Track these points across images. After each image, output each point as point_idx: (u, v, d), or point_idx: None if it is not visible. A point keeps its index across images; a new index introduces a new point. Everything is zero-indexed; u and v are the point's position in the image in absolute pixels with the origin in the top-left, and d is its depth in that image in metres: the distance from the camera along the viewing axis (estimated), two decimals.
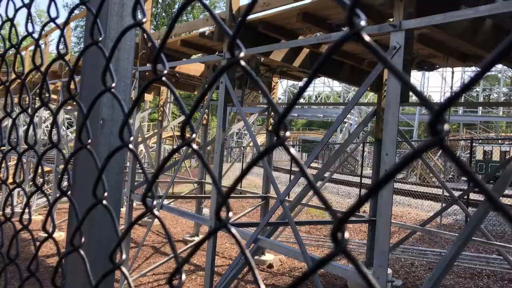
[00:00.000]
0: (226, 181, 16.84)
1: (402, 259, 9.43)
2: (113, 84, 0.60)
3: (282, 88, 47.45)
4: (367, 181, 13.20)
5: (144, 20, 0.54)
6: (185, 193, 13.52)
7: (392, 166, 0.25)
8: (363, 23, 0.29)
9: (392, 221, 7.62)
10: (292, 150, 0.33)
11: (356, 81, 7.41)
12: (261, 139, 26.41)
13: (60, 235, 10.99)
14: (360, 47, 6.38)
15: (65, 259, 0.83)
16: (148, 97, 13.96)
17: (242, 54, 0.38)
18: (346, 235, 0.28)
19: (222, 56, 6.02)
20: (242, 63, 0.38)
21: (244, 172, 0.37)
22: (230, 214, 0.37)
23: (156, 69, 0.50)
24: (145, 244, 10.91)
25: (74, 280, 0.84)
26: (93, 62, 0.90)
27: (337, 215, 0.28)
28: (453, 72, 8.96)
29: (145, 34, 0.57)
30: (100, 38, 0.64)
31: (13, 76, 0.95)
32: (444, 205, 8.24)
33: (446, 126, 0.25)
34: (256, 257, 9.06)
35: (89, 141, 0.64)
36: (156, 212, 0.49)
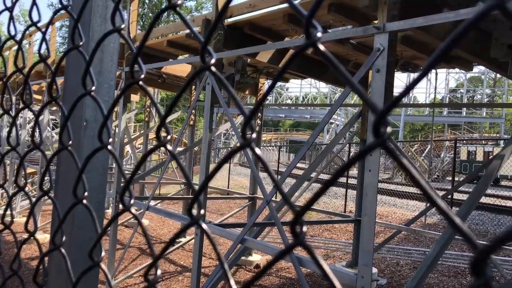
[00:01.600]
0: (213, 182, 16.82)
1: (387, 258, 9.54)
2: (93, 88, 0.62)
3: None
4: (354, 181, 13.33)
5: (122, 26, 0.56)
6: (172, 194, 13.47)
7: (339, 167, 0.28)
8: (319, 34, 0.31)
9: (377, 220, 7.71)
10: (258, 151, 0.36)
11: (342, 83, 7.49)
12: None
13: (46, 237, 10.87)
14: (345, 49, 6.45)
15: (49, 259, 0.84)
16: (135, 97, 13.88)
17: (212, 61, 0.41)
18: (304, 228, 0.31)
19: None
20: (213, 69, 0.41)
21: (213, 173, 0.39)
22: (202, 211, 0.39)
23: (133, 72, 0.52)
24: (132, 246, 10.84)
25: (57, 279, 0.85)
26: (76, 64, 0.91)
27: (295, 209, 0.31)
28: (436, 74, 9.10)
29: (123, 39, 0.59)
30: (81, 43, 0.66)
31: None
32: (428, 205, 8.35)
33: (389, 129, 0.27)
34: (243, 257, 9.08)
35: (70, 142, 0.66)
36: (133, 211, 0.51)
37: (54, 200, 0.68)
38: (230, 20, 6.17)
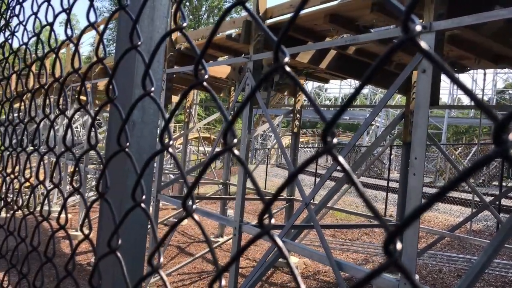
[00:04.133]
0: (251, 183, 16.81)
1: (429, 264, 9.23)
2: (152, 88, 0.61)
3: (308, 89, 47.40)
4: (394, 184, 13.00)
5: (184, 24, 0.55)
6: (210, 194, 13.59)
7: (454, 178, 0.24)
8: (418, 27, 0.28)
9: (419, 225, 7.46)
10: (341, 158, 0.33)
11: (384, 83, 7.30)
12: (285, 141, 26.34)
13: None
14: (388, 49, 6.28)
15: (96, 260, 0.84)
16: (175, 98, 14.10)
17: (286, 59, 0.38)
18: (399, 246, 0.27)
19: (248, 58, 6.04)
20: (287, 68, 0.38)
21: (291, 179, 0.36)
22: (273, 220, 0.37)
23: (198, 73, 0.50)
24: (170, 244, 11.03)
25: (103, 280, 0.85)
26: (125, 65, 0.91)
27: (388, 227, 0.27)
28: (485, 74, 8.72)
29: (186, 39, 0.57)
30: (139, 43, 0.65)
31: (51, 79, 0.98)
32: (474, 210, 8.01)
33: (511, 136, 0.24)
34: (280, 259, 9.03)
35: (128, 144, 0.65)
36: (195, 217, 0.50)
37: (110, 203, 0.68)
38: (270, 21, 6.15)
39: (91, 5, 0.71)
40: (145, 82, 0.60)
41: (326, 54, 6.82)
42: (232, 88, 10.85)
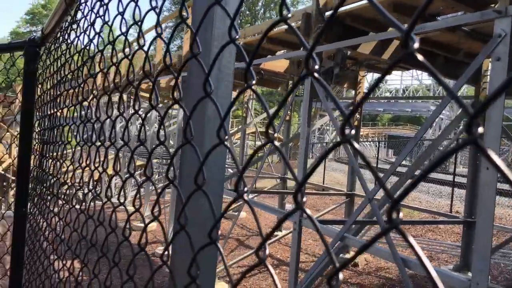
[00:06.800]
0: (310, 178, 16.68)
1: (501, 264, 8.70)
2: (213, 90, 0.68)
3: (367, 82, 45.96)
4: (461, 179, 12.36)
5: (236, 36, 0.59)
6: (268, 189, 13.66)
7: None
8: None
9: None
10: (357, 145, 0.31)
11: (450, 73, 6.93)
12: None
13: (153, 224, 11.71)
14: (455, 37, 5.93)
15: (174, 240, 0.89)
16: (232, 94, 14.32)
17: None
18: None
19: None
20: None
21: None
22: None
23: (247, 77, 0.58)
24: (230, 237, 11.23)
25: (180, 255, 0.89)
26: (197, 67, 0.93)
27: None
28: None
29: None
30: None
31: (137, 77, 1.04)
32: None
33: None
34: (340, 255, 8.91)
35: (192, 137, 0.72)
36: (245, 197, 0.54)
37: (178, 187, 0.74)
38: (330, 12, 6.03)
39: (183, 4, 0.75)
40: (206, 86, 0.69)
41: (389, 45, 6.59)
42: (291, 82, 10.80)
